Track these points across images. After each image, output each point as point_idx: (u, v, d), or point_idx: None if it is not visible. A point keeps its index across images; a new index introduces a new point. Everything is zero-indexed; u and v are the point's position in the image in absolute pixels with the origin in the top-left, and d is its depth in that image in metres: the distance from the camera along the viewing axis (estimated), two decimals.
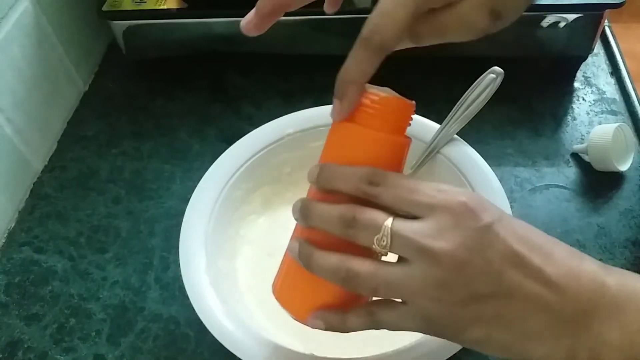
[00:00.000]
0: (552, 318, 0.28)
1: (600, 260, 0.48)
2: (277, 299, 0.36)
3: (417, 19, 0.32)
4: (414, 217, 0.30)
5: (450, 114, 0.48)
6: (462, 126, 0.48)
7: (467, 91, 0.47)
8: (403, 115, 0.34)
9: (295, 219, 0.34)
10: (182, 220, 0.46)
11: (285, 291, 0.36)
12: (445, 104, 0.48)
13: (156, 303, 0.49)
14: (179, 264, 0.43)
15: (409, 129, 0.34)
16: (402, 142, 0.34)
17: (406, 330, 0.32)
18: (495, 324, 0.29)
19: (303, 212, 0.33)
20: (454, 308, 0.29)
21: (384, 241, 0.30)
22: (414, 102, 0.34)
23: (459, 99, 0.48)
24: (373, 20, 0.31)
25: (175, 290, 0.49)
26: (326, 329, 0.34)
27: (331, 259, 0.31)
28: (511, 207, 0.43)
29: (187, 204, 0.47)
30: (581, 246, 0.50)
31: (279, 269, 0.37)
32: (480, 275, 0.28)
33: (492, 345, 0.29)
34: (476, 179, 0.46)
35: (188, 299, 0.41)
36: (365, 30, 0.31)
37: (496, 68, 0.45)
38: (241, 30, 0.36)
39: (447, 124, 0.48)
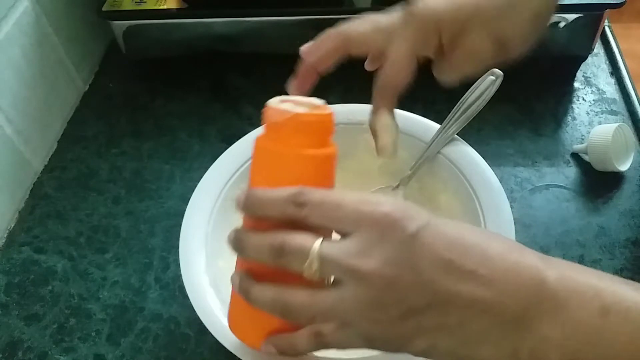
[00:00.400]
0: (493, 319, 0.27)
1: (600, 260, 0.49)
2: (232, 331, 0.36)
3: (436, 61, 0.39)
4: (344, 235, 0.29)
5: (450, 114, 0.48)
6: (462, 127, 0.48)
7: (467, 92, 0.47)
8: (322, 128, 0.33)
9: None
10: (182, 220, 0.46)
11: (237, 322, 0.36)
12: (445, 104, 0.48)
13: (156, 303, 0.49)
14: (179, 264, 0.43)
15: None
16: (326, 154, 0.33)
17: (354, 349, 0.31)
18: (438, 333, 0.28)
19: (237, 244, 0.32)
20: (393, 325, 0.28)
21: (312, 266, 0.29)
22: (331, 111, 0.33)
23: (459, 100, 0.48)
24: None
25: (175, 290, 0.49)
26: (279, 354, 0.33)
27: (268, 293, 0.31)
28: (511, 207, 0.43)
29: (187, 204, 0.47)
30: (581, 246, 0.50)
31: (230, 300, 0.36)
32: (412, 288, 0.27)
33: (439, 353, 0.29)
34: (476, 179, 0.46)
35: (188, 299, 0.41)
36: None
37: (496, 70, 0.45)
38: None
39: (446, 124, 0.48)
